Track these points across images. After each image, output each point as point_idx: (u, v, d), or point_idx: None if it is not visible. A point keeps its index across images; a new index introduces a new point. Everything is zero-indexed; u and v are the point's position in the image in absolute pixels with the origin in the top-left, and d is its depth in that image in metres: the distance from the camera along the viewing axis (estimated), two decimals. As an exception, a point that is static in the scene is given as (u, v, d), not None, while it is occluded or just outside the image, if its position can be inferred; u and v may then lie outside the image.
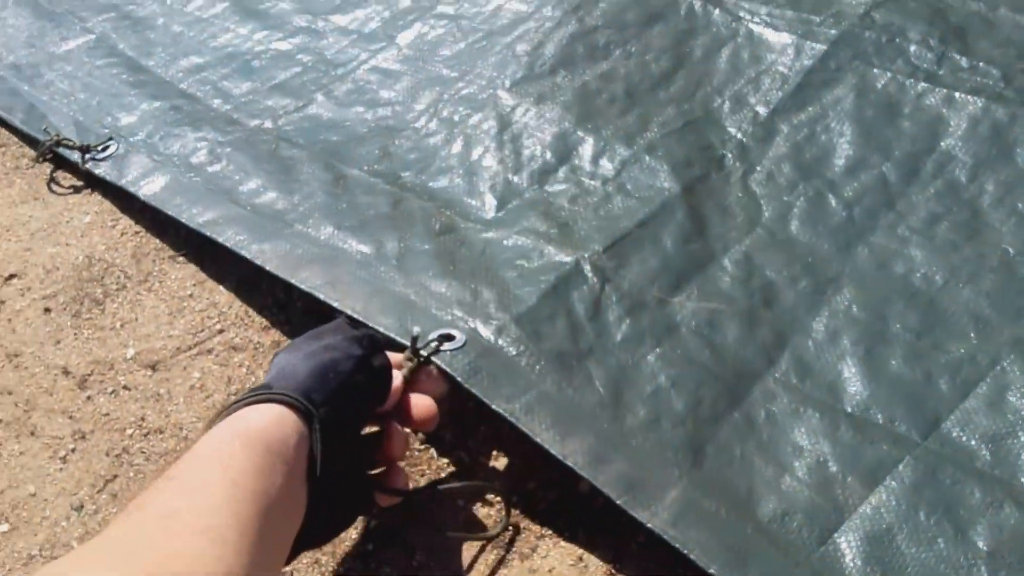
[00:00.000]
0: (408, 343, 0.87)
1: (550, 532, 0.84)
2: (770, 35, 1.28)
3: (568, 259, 1.00)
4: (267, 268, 1.03)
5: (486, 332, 0.92)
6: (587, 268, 0.99)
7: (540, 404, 0.86)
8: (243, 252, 1.05)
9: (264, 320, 1.06)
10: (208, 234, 1.09)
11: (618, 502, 0.78)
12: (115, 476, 0.93)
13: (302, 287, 0.99)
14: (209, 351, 1.04)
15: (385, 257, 1.04)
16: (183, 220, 1.13)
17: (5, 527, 0.90)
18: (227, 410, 0.59)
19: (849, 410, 0.85)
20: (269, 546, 0.52)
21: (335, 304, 0.96)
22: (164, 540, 0.47)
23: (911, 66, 1.19)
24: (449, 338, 0.91)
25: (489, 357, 0.90)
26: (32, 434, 0.99)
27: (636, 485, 0.79)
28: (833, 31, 1.26)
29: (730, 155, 1.13)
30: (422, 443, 0.92)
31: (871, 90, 1.17)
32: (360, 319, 0.94)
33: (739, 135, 1.15)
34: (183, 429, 0.97)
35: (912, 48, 1.21)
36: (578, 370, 0.90)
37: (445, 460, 0.91)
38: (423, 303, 0.97)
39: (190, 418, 0.97)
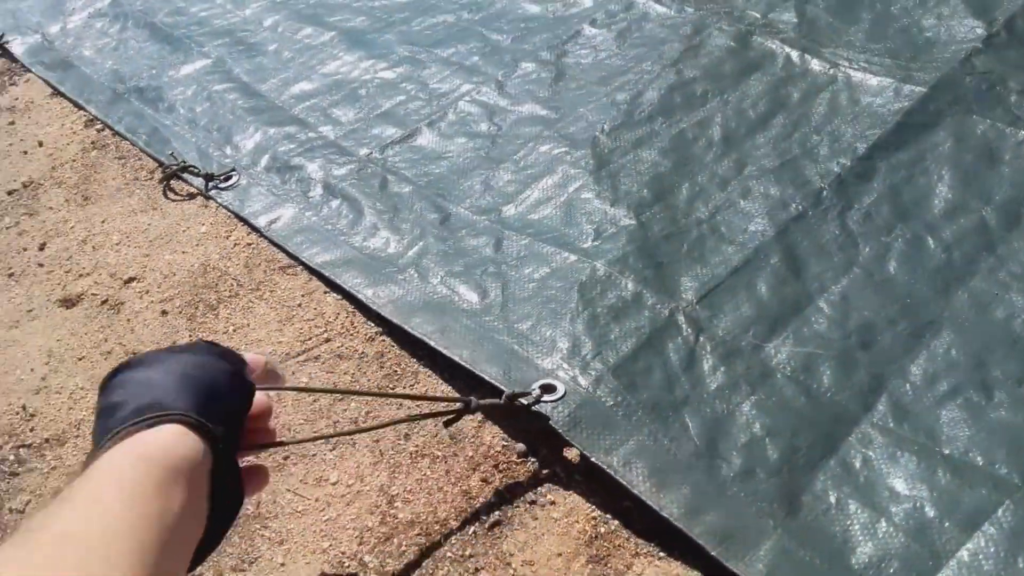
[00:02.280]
0: (508, 391, 0.94)
1: (647, 550, 0.86)
2: (869, 80, 1.29)
3: (664, 309, 1.03)
4: (383, 314, 1.10)
5: (585, 382, 0.97)
6: (681, 319, 1.02)
7: (637, 456, 0.89)
8: (360, 296, 1.14)
9: (369, 330, 1.11)
10: (328, 275, 1.17)
11: (712, 553, 0.81)
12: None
13: (415, 333, 1.07)
14: (316, 358, 1.09)
15: (489, 306, 1.09)
16: (303, 259, 1.21)
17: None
18: (115, 434, 0.54)
19: (947, 452, 0.85)
20: (169, 566, 0.50)
21: (445, 352, 1.03)
22: (58, 563, 0.45)
23: (1011, 115, 1.19)
24: (550, 388, 0.96)
25: (588, 408, 0.94)
26: (147, 430, 1.04)
27: (731, 536, 0.82)
28: (932, 76, 1.27)
29: (827, 190, 1.14)
30: (520, 456, 0.95)
31: (970, 135, 1.18)
32: (467, 367, 1.01)
33: (837, 169, 1.17)
34: (291, 430, 1.01)
35: (1012, 97, 1.21)
36: (674, 420, 0.92)
37: (542, 473, 0.94)
38: (525, 352, 1.02)
39: (297, 420, 1.02)
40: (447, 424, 0.94)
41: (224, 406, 0.61)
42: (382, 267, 1.17)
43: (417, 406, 0.99)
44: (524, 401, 0.93)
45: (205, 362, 0.63)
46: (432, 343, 1.04)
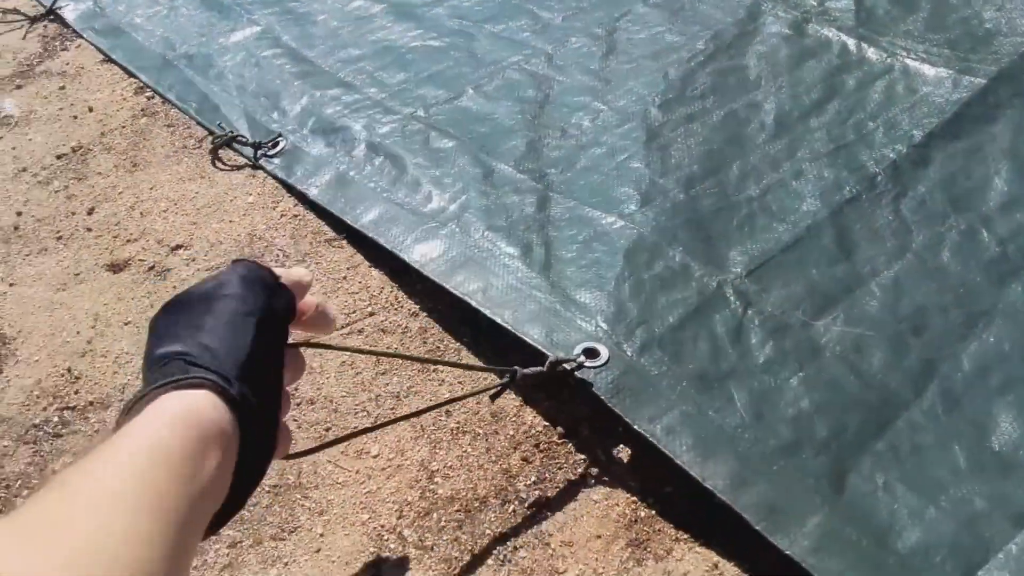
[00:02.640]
0: (555, 356, 0.92)
1: (686, 536, 0.86)
2: (926, 69, 1.27)
3: (711, 281, 1.02)
4: (425, 273, 1.09)
5: (630, 349, 0.95)
6: (730, 292, 1.01)
7: (681, 425, 0.88)
8: (403, 255, 1.12)
9: (413, 306, 1.11)
10: (371, 235, 1.17)
11: (757, 527, 0.80)
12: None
13: (456, 292, 1.05)
14: (360, 331, 1.09)
15: (532, 262, 1.08)
16: (347, 220, 1.21)
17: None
18: (146, 395, 0.54)
19: (997, 448, 0.84)
20: (194, 529, 0.50)
21: (487, 312, 1.02)
22: (90, 516, 0.45)
23: None
24: (593, 353, 0.94)
25: (632, 375, 0.93)
26: (191, 393, 1.05)
27: (776, 511, 0.81)
28: (992, 68, 1.24)
29: (882, 175, 1.12)
30: (561, 438, 0.95)
31: (1029, 130, 1.15)
32: (510, 328, 0.99)
33: (892, 155, 1.15)
34: (333, 402, 1.02)
35: None
36: (719, 391, 0.91)
37: (582, 456, 0.94)
38: (568, 314, 1.00)
39: (340, 392, 1.03)
40: (493, 397, 0.93)
41: (259, 359, 0.60)
42: (423, 222, 1.16)
43: (459, 382, 0.99)
44: (567, 367, 0.91)
45: (237, 303, 0.61)
46: (474, 303, 1.03)
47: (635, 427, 0.87)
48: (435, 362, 1.03)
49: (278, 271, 0.67)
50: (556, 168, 1.21)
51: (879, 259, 1.03)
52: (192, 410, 0.53)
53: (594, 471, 0.93)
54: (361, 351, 0.93)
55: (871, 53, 1.32)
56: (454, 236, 1.13)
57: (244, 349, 0.58)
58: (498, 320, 1.00)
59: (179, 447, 0.50)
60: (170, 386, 0.53)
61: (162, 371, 0.55)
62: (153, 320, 0.61)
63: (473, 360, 1.04)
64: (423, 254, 1.12)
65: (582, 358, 0.93)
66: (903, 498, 0.81)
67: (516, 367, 0.91)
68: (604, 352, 0.93)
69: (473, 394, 0.93)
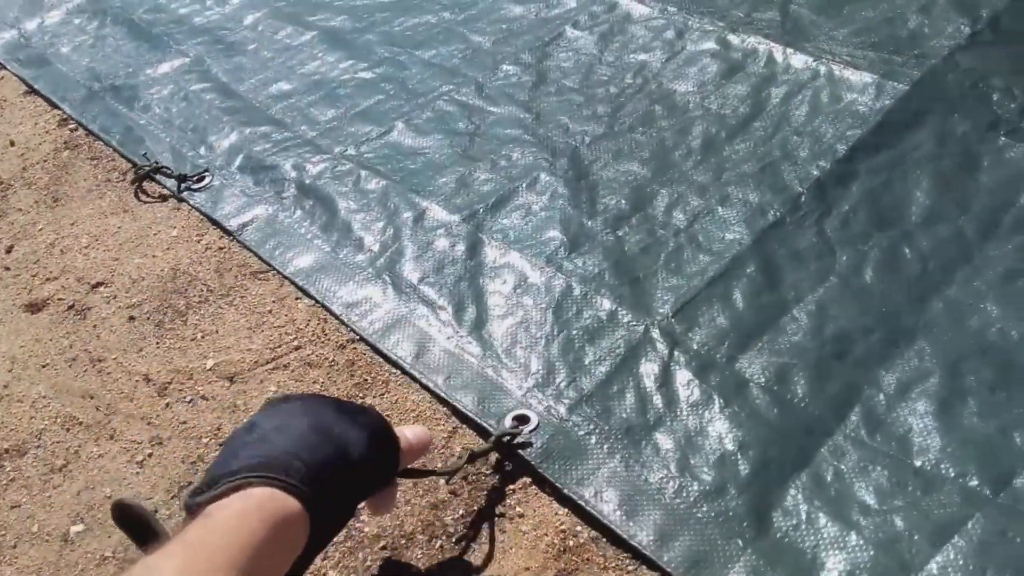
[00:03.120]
0: (485, 424, 0.94)
1: (615, 565, 0.84)
2: (851, 75, 1.28)
3: (639, 326, 1.02)
4: (360, 335, 1.08)
5: (558, 410, 0.95)
6: (656, 335, 1.00)
7: (609, 484, 0.88)
8: (335, 309, 1.12)
9: (340, 338, 1.09)
10: (301, 285, 1.16)
11: None
12: (189, 483, 0.96)
13: (391, 356, 1.05)
14: (286, 366, 1.07)
15: (463, 321, 1.07)
16: (276, 267, 1.19)
17: (80, 527, 0.94)
18: (245, 477, 0.62)
19: (919, 465, 0.84)
20: None
21: (421, 379, 1.02)
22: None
23: (993, 115, 1.18)
24: (524, 419, 0.95)
25: (561, 438, 0.93)
26: (111, 438, 1.03)
27: (699, 562, 0.80)
28: (915, 72, 1.26)
29: (806, 195, 1.13)
30: (490, 469, 0.94)
31: (951, 137, 1.17)
32: (444, 396, 1.00)
33: (816, 173, 1.16)
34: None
35: (995, 96, 1.21)
36: (647, 443, 0.91)
37: (512, 487, 0.92)
38: (499, 378, 1.00)
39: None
40: (447, 481, 0.93)
41: (345, 487, 0.69)
42: (355, 273, 1.15)
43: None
44: (510, 439, 0.93)
45: (343, 431, 0.69)
46: (407, 367, 1.04)
47: (564, 492, 0.88)
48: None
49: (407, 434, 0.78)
50: (485, 204, 1.21)
51: (803, 284, 1.03)
52: (288, 514, 0.61)
53: (524, 501, 0.91)
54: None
55: (797, 60, 1.34)
56: (386, 291, 1.12)
57: (337, 489, 0.68)
58: (431, 387, 1.01)
59: (247, 529, 0.59)
60: (276, 483, 0.62)
61: (271, 466, 0.64)
62: (279, 403, 0.72)
63: (401, 390, 1.02)
64: (355, 310, 1.11)
65: (513, 424, 0.94)
66: (825, 529, 0.81)
67: (472, 450, 0.90)
68: (534, 418, 0.94)
69: (436, 473, 0.91)
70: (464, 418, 0.98)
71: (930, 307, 0.99)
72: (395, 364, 1.05)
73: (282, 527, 0.60)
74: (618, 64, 1.42)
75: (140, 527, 0.66)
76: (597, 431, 0.93)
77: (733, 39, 1.40)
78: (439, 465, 0.94)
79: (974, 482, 0.82)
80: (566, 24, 1.52)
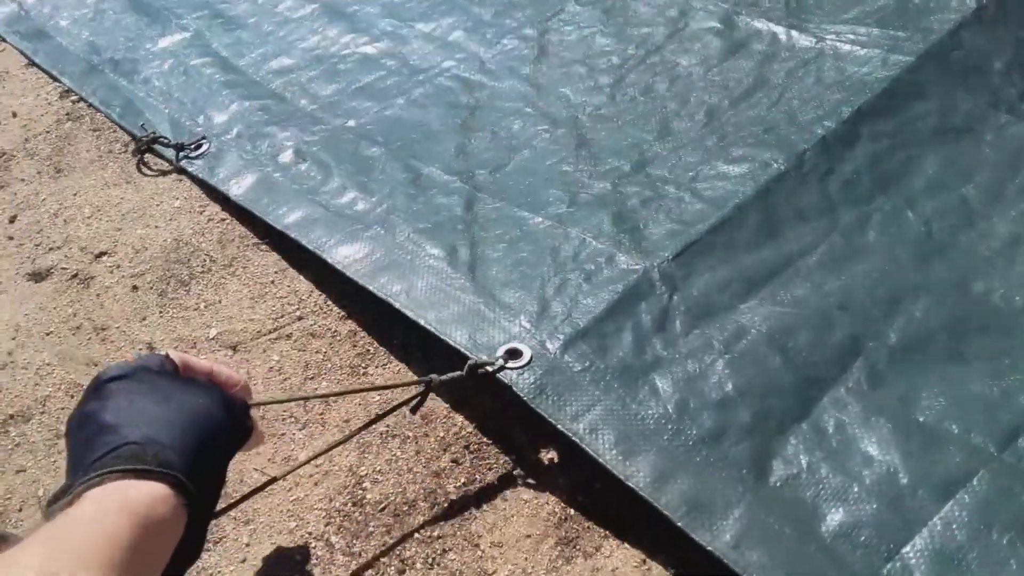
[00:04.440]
0: (476, 358, 0.91)
1: (615, 532, 0.85)
2: (856, 51, 1.28)
3: (636, 267, 1.01)
4: (347, 274, 1.07)
5: (552, 346, 0.94)
6: (655, 276, 1.00)
7: (604, 422, 0.87)
8: (325, 256, 1.10)
9: (342, 310, 1.10)
10: (293, 236, 1.14)
11: (679, 524, 0.79)
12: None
13: (379, 294, 1.04)
14: (288, 336, 1.07)
15: (457, 263, 1.06)
16: (269, 221, 1.18)
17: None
18: (104, 474, 0.58)
19: (922, 420, 0.84)
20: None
21: (409, 314, 1.00)
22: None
23: (995, 95, 1.18)
24: (516, 353, 0.93)
25: (555, 374, 0.91)
26: (115, 406, 1.02)
27: (699, 504, 0.80)
28: (920, 46, 1.26)
29: (810, 151, 1.13)
30: (491, 438, 0.94)
31: (954, 111, 1.17)
32: (433, 330, 0.98)
33: (821, 131, 1.15)
34: (260, 409, 1.00)
35: (996, 78, 1.20)
36: (644, 383, 0.90)
37: (512, 456, 0.93)
38: (492, 314, 0.99)
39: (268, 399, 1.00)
40: (413, 410, 0.92)
41: (216, 466, 0.66)
42: (348, 224, 1.14)
43: (380, 395, 0.98)
44: (488, 369, 0.90)
45: (206, 409, 0.66)
46: (397, 304, 1.01)
47: (558, 427, 0.86)
48: (351, 391, 1.00)
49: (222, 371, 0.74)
50: (485, 169, 1.20)
51: (806, 238, 1.03)
52: (144, 503, 0.57)
53: (524, 470, 0.91)
54: (293, 399, 0.93)
55: (801, 40, 1.33)
56: (378, 238, 1.11)
57: (204, 458, 0.64)
58: (420, 322, 0.98)
59: (126, 537, 0.55)
60: (131, 474, 0.58)
61: (123, 455, 0.59)
62: (108, 385, 0.65)
63: (400, 365, 1.03)
64: (346, 255, 1.10)
65: (503, 360, 0.91)
66: (827, 479, 0.80)
67: (432, 376, 0.89)
68: (527, 352, 0.92)
69: (392, 410, 0.91)
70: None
71: (933, 268, 0.99)
72: (393, 321, 1.04)
73: (149, 514, 0.57)
74: (621, 37, 1.41)
75: None
76: (592, 368, 0.91)
77: (736, 20, 1.40)
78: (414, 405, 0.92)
79: (978, 439, 0.81)
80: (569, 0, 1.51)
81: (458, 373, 0.90)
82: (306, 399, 1.00)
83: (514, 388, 0.89)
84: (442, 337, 0.96)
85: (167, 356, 0.70)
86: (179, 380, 0.69)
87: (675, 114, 1.25)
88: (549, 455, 0.92)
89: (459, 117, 1.31)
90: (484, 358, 0.92)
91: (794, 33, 1.34)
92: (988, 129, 1.14)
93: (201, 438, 0.64)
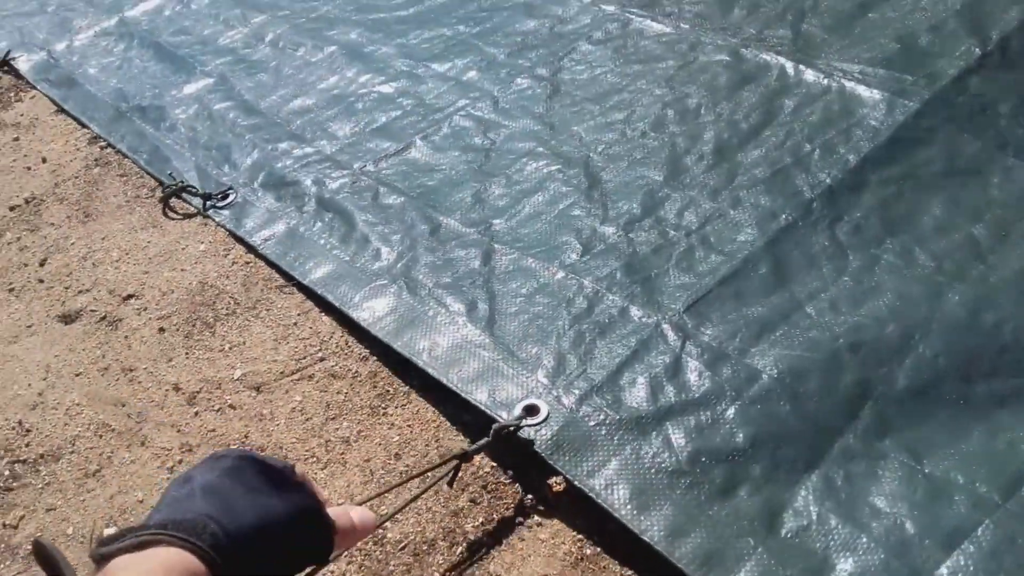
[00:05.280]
0: (497, 417, 0.96)
1: (631, 572, 0.87)
2: (862, 91, 1.30)
3: (649, 321, 1.04)
4: (373, 332, 1.11)
5: (568, 401, 0.98)
6: (667, 328, 1.03)
7: (619, 476, 0.90)
8: (352, 313, 1.15)
9: (363, 350, 1.12)
10: (320, 292, 1.19)
11: None
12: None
13: (404, 353, 1.08)
14: (310, 377, 1.10)
15: (477, 319, 1.10)
16: (296, 276, 1.23)
17: (113, 530, 0.97)
18: (139, 537, 0.58)
19: (928, 470, 0.86)
20: None
21: (433, 373, 1.05)
22: None
23: (1002, 137, 1.20)
24: (533, 410, 0.97)
25: (571, 429, 0.95)
26: (143, 444, 1.06)
27: (712, 557, 0.82)
28: (926, 92, 1.28)
29: (817, 201, 1.15)
30: (508, 478, 0.96)
31: (960, 155, 1.18)
32: (456, 389, 1.02)
33: (828, 180, 1.18)
34: (283, 448, 1.03)
35: (1002, 122, 1.22)
36: (658, 434, 0.93)
37: (529, 496, 0.95)
38: (511, 370, 1.03)
39: (290, 438, 1.03)
40: (449, 483, 0.95)
41: (249, 549, 0.63)
42: (371, 280, 1.18)
43: (408, 425, 1.01)
44: (510, 430, 0.95)
45: (282, 507, 0.65)
46: (420, 363, 1.06)
47: (575, 483, 0.90)
48: (395, 486, 0.97)
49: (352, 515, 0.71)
50: (501, 218, 1.24)
51: (815, 283, 1.05)
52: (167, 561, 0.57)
53: (540, 510, 0.93)
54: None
55: (809, 74, 1.36)
56: (401, 295, 1.15)
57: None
58: (443, 380, 1.03)
59: None
60: (187, 544, 0.58)
61: (187, 526, 0.60)
62: (219, 466, 0.66)
63: (421, 401, 1.05)
64: (371, 312, 1.14)
65: (523, 418, 0.96)
66: (836, 530, 0.82)
67: (464, 448, 0.93)
68: (544, 408, 0.96)
69: (430, 486, 0.93)
70: (482, 431, 0.98)
71: (945, 301, 1.00)
72: (411, 362, 1.07)
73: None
74: (631, 73, 1.45)
75: (51, 569, 0.65)
76: (607, 422, 0.95)
77: (745, 53, 1.43)
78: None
79: (984, 489, 0.83)
80: (580, 39, 1.55)
81: (486, 440, 0.94)
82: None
83: (534, 446, 0.93)
84: (464, 396, 1.01)
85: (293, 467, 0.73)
86: (276, 479, 0.68)
87: (685, 151, 1.27)
88: (565, 497, 0.94)
89: (475, 162, 1.35)
90: (505, 417, 0.96)
91: (802, 68, 1.37)
92: (995, 171, 1.16)
93: (257, 544, 0.63)
